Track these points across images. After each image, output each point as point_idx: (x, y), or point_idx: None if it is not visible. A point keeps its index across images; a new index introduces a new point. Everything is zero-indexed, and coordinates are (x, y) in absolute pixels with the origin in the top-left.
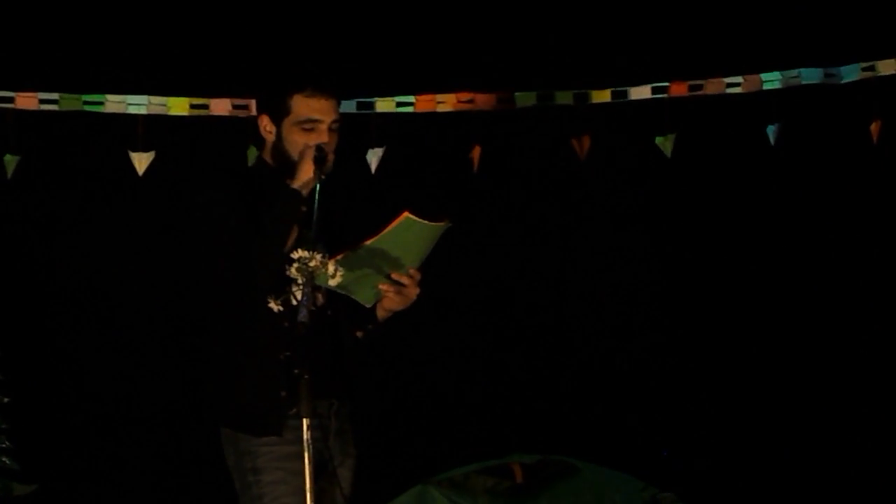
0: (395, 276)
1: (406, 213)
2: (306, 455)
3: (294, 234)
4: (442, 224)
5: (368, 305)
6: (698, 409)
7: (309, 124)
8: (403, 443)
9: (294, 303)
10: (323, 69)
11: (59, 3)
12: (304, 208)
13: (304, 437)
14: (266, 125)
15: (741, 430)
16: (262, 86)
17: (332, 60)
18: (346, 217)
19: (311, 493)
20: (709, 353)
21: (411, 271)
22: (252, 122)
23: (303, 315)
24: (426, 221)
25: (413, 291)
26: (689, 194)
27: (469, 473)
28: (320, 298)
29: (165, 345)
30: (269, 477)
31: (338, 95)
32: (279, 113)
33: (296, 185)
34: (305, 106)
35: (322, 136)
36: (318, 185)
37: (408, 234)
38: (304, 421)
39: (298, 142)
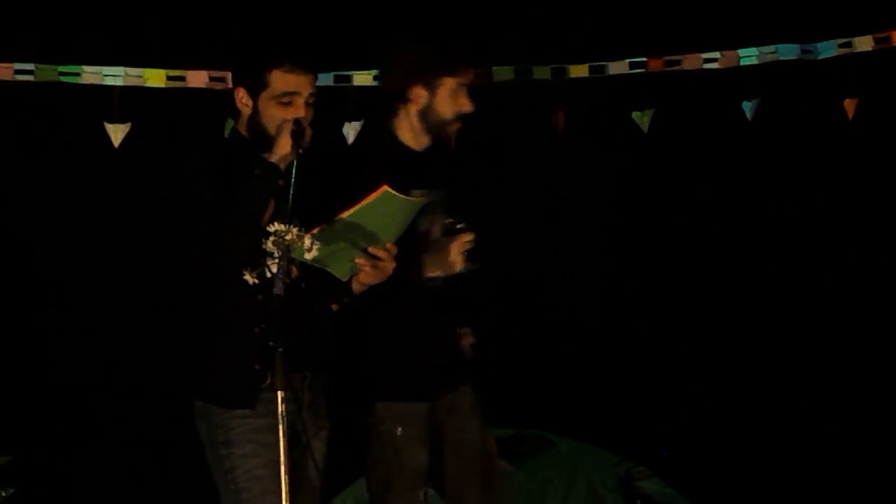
0: (371, 249)
1: (384, 187)
2: (281, 428)
3: (271, 208)
4: (419, 199)
5: (344, 279)
6: (678, 391)
7: (286, 98)
8: None
9: (269, 276)
10: (300, 43)
11: None
12: (281, 182)
13: (279, 410)
14: (242, 98)
15: (723, 416)
16: (239, 59)
17: (310, 33)
18: (322, 191)
19: (284, 465)
20: (685, 332)
21: (388, 245)
22: (229, 95)
23: (278, 288)
24: (403, 196)
25: (389, 265)
26: (666, 169)
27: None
28: (295, 271)
29: (139, 317)
30: (242, 450)
31: (315, 70)
32: (257, 86)
33: (273, 158)
34: (283, 80)
35: (299, 110)
36: (295, 160)
37: (385, 208)
38: (279, 394)
39: (276, 115)
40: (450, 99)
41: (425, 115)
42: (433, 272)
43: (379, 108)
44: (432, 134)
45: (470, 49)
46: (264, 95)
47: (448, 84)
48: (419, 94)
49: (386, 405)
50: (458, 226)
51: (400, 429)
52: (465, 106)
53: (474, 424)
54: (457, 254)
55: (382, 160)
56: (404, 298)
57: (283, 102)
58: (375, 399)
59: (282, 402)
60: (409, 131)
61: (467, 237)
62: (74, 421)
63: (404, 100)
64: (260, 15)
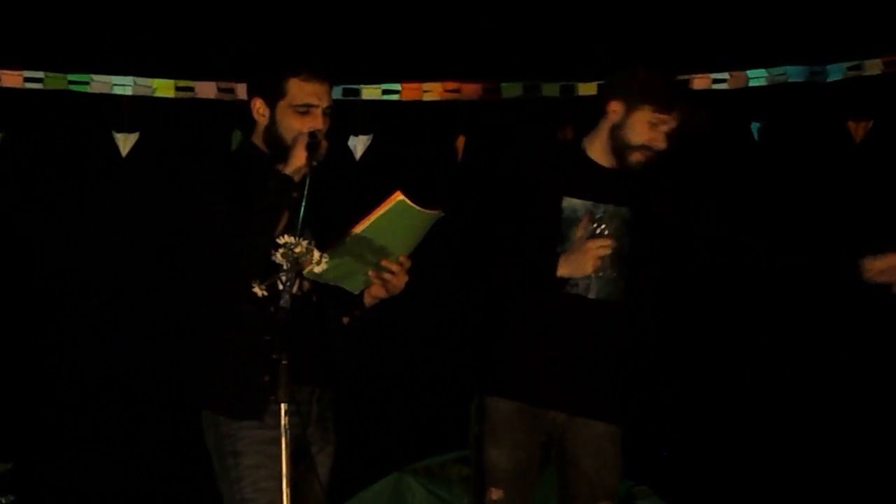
0: (384, 263)
1: (399, 195)
2: (283, 440)
3: (284, 220)
4: (435, 212)
5: (356, 293)
6: (679, 400)
7: (304, 108)
8: (380, 431)
9: (279, 288)
10: (314, 54)
11: None
12: (295, 194)
13: (282, 422)
14: (259, 108)
15: (724, 434)
16: (257, 68)
17: (320, 46)
18: (333, 204)
19: (287, 478)
20: (692, 347)
21: (401, 259)
22: (237, 106)
23: (284, 300)
24: (419, 208)
25: (402, 279)
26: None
27: (445, 462)
28: (306, 284)
29: (148, 326)
30: (249, 461)
31: (332, 81)
32: (274, 96)
33: (287, 170)
34: (301, 90)
35: (316, 121)
36: (308, 172)
37: (399, 219)
38: (282, 406)
39: (293, 126)
40: (643, 126)
41: (614, 132)
42: (564, 270)
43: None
44: (616, 155)
45: (681, 96)
46: (282, 105)
47: (646, 111)
48: (615, 110)
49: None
50: (599, 229)
51: None
52: (657, 141)
53: None
54: (591, 256)
55: (567, 171)
56: (537, 296)
57: (300, 112)
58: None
59: (285, 414)
60: (598, 147)
61: (605, 242)
62: (76, 429)
63: (603, 113)
64: (270, 28)
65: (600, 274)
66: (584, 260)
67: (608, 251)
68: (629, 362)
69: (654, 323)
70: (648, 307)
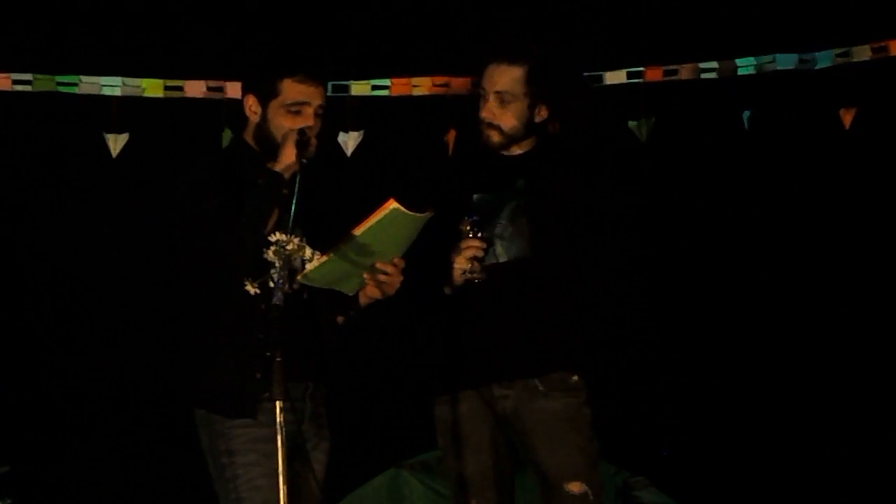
0: (378, 265)
1: (393, 203)
2: (279, 438)
3: (274, 218)
4: (426, 215)
5: (351, 294)
6: (675, 398)
7: (296, 107)
8: (376, 427)
9: (271, 286)
10: (304, 51)
11: None
12: (285, 192)
13: (277, 419)
14: (252, 105)
15: (721, 425)
16: (251, 66)
17: (308, 43)
18: (324, 201)
19: (283, 475)
20: (683, 340)
21: (395, 260)
22: (226, 105)
23: (277, 298)
24: (412, 213)
25: (396, 280)
26: (664, 179)
27: (442, 457)
28: (297, 282)
29: (141, 327)
30: (243, 459)
31: (325, 81)
32: (267, 94)
33: (277, 168)
34: (294, 89)
35: (308, 120)
36: (299, 169)
37: (393, 225)
38: (277, 404)
39: (284, 124)
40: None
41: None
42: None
43: None
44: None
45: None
46: (274, 104)
47: None
48: None
49: None
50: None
51: None
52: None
53: None
54: (457, 264)
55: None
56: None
57: (292, 111)
58: None
59: (280, 411)
60: None
61: (474, 243)
62: (73, 431)
63: None
64: (258, 25)
65: (504, 237)
66: (455, 267)
67: (480, 253)
68: (552, 309)
69: (569, 265)
70: (558, 254)
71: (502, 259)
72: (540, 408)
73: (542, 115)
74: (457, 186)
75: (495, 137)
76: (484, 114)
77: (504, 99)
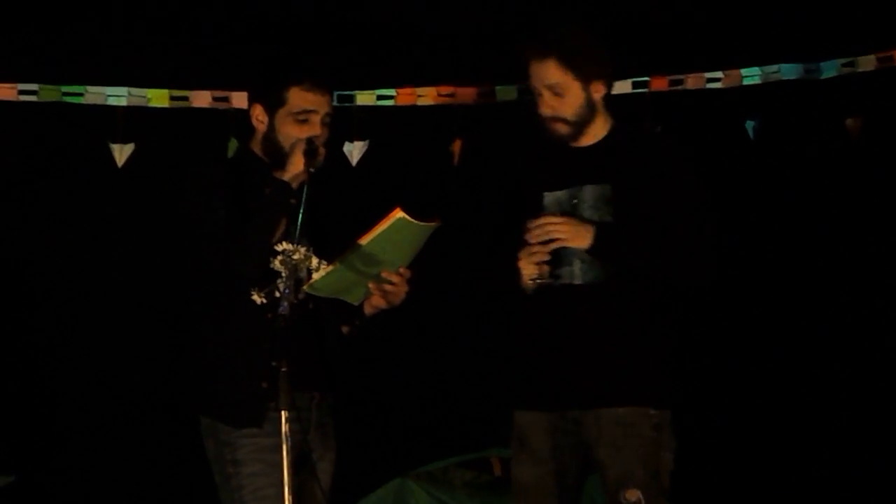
0: (385, 274)
1: (399, 213)
2: (284, 448)
3: (282, 227)
4: (433, 224)
5: (356, 304)
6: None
7: (303, 115)
8: (382, 436)
9: (277, 295)
10: (309, 61)
11: None
12: (293, 201)
13: (283, 429)
14: (258, 114)
15: (722, 434)
16: (258, 75)
17: (313, 53)
18: (330, 210)
19: (289, 485)
20: (684, 345)
21: (401, 270)
22: (232, 115)
23: (283, 308)
24: (418, 222)
25: (402, 290)
26: None
27: (447, 467)
28: (303, 292)
29: (146, 335)
30: (249, 469)
31: (332, 90)
32: (274, 103)
33: (285, 177)
34: (301, 98)
35: (315, 128)
36: (306, 179)
37: (399, 234)
38: (283, 413)
39: (291, 133)
40: None
41: None
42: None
43: None
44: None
45: None
46: (281, 112)
47: None
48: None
49: None
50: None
51: None
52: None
53: None
54: (523, 268)
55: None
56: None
57: (299, 120)
58: None
59: (286, 421)
60: None
61: (532, 250)
62: (78, 441)
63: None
64: (263, 35)
65: (583, 260)
66: (524, 273)
67: (545, 257)
68: (630, 340)
69: (648, 293)
70: (636, 281)
71: (577, 281)
72: (604, 414)
73: (599, 90)
74: (530, 185)
75: (563, 129)
76: (544, 110)
77: (556, 91)
